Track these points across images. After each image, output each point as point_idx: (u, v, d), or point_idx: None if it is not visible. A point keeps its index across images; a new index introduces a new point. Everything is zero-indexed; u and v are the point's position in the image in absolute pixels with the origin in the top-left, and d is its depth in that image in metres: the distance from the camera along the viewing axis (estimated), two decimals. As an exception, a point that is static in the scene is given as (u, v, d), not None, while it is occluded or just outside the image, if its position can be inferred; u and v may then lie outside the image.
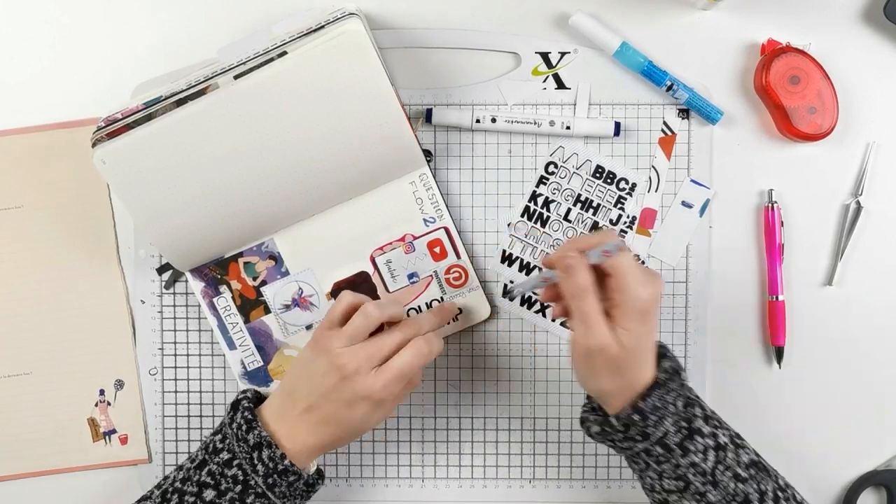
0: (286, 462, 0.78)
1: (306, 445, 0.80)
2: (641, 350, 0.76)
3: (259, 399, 0.83)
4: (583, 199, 0.90)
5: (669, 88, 0.88)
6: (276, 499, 0.79)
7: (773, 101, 0.87)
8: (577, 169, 0.89)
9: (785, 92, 0.87)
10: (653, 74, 0.88)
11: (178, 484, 0.79)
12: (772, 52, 0.87)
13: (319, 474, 0.82)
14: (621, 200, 0.90)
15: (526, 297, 0.90)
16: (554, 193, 0.90)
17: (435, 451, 0.92)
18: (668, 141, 0.90)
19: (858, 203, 0.90)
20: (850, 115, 0.89)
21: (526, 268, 0.90)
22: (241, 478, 0.78)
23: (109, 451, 0.92)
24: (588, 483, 0.91)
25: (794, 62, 0.87)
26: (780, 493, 0.78)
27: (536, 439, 0.91)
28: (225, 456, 0.79)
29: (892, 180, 0.90)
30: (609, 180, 0.90)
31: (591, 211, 0.90)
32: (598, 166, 0.89)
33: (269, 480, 0.78)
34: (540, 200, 0.90)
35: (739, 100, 0.90)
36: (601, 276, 0.76)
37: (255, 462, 0.78)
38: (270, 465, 0.78)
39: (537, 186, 0.90)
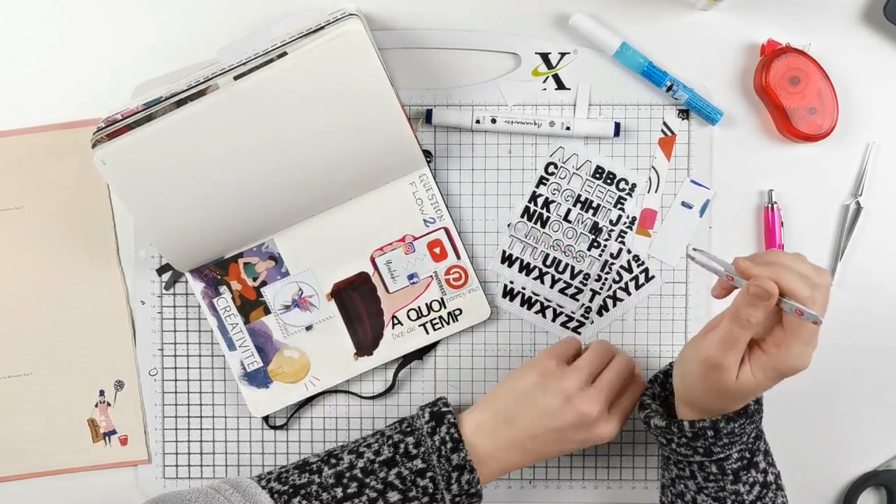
0: (479, 487, 0.80)
1: (506, 467, 0.81)
2: (752, 395, 0.75)
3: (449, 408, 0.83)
4: (583, 199, 0.90)
5: (669, 89, 0.88)
6: None
7: (772, 102, 0.87)
8: (577, 169, 0.89)
9: (785, 92, 0.87)
10: (653, 75, 0.88)
11: (357, 472, 0.79)
12: (772, 53, 0.87)
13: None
14: (621, 201, 0.90)
15: (526, 297, 0.90)
16: (554, 194, 0.90)
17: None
18: (667, 141, 0.90)
19: (858, 203, 0.90)
20: (850, 115, 0.89)
21: (526, 268, 0.90)
22: (430, 490, 0.78)
23: (109, 451, 0.92)
24: (588, 483, 0.91)
25: (794, 62, 0.87)
26: None
27: (536, 440, 0.91)
28: (419, 465, 0.79)
29: (892, 180, 0.90)
30: (609, 181, 0.90)
31: (591, 211, 0.90)
32: (598, 167, 0.89)
33: (458, 500, 0.79)
34: (540, 201, 0.90)
35: (739, 100, 0.90)
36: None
37: (452, 482, 0.79)
38: (466, 487, 0.79)
39: (537, 187, 0.90)
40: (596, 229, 0.90)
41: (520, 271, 0.90)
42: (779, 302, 0.71)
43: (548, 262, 0.90)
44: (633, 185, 0.89)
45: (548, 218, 0.90)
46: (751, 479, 0.77)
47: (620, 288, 0.90)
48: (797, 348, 0.72)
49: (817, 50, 0.88)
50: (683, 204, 0.90)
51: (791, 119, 0.87)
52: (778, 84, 0.87)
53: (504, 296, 0.90)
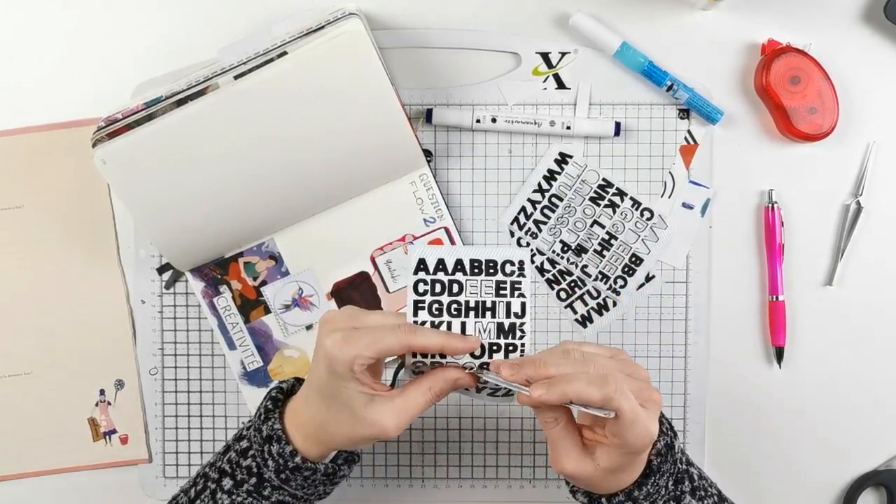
0: (297, 459, 0.73)
1: (309, 434, 0.74)
2: (624, 472, 0.72)
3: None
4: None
5: (670, 88, 0.88)
6: (295, 491, 0.75)
7: (773, 102, 0.87)
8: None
9: (785, 92, 0.87)
10: (653, 74, 0.88)
11: (206, 468, 0.77)
12: (772, 53, 0.87)
13: (347, 460, 0.77)
14: (635, 200, 0.89)
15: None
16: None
17: (435, 451, 0.92)
18: (689, 150, 0.90)
19: (859, 203, 0.90)
20: (851, 115, 0.89)
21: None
22: (255, 470, 0.74)
23: (109, 450, 0.92)
24: (588, 483, 0.91)
25: (795, 62, 0.87)
26: None
27: (536, 439, 0.91)
28: (244, 444, 0.75)
29: (892, 180, 0.90)
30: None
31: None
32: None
33: (282, 476, 0.74)
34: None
35: (740, 100, 0.90)
36: None
37: (266, 456, 0.74)
38: (280, 460, 0.73)
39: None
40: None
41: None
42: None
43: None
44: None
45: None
46: None
47: (620, 287, 0.90)
48: (630, 435, 0.69)
49: (818, 50, 0.88)
50: (684, 205, 0.90)
51: (791, 119, 0.87)
52: (778, 84, 0.87)
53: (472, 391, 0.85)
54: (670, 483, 0.75)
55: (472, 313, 0.72)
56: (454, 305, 0.72)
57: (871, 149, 0.90)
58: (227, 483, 0.75)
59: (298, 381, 0.78)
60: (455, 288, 0.72)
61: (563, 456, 0.71)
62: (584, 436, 0.73)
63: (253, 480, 0.74)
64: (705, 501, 0.76)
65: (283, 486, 0.74)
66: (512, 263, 0.72)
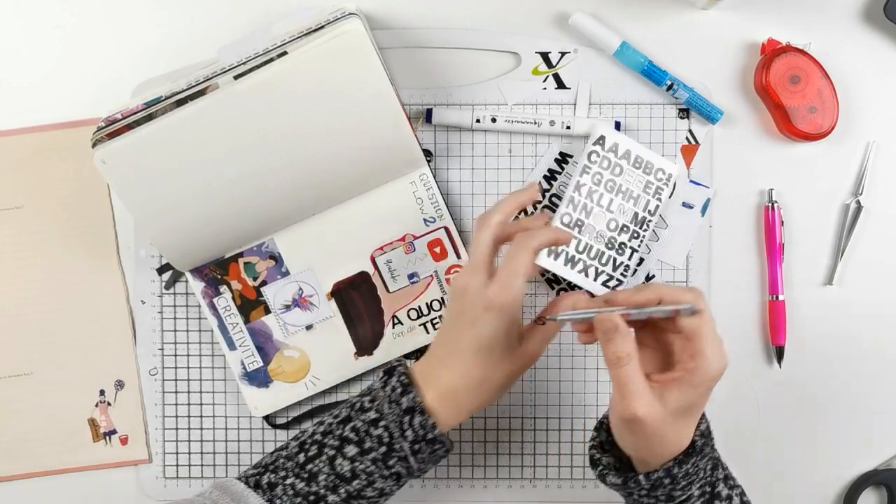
0: (436, 431, 0.76)
1: (452, 394, 0.77)
2: (688, 420, 0.73)
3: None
4: (623, 189, 0.87)
5: (669, 88, 0.88)
6: (416, 464, 0.77)
7: (773, 101, 0.87)
8: (619, 158, 0.87)
9: (785, 91, 0.87)
10: (653, 74, 0.88)
11: (318, 437, 0.78)
12: (772, 52, 0.87)
13: (449, 447, 0.80)
14: (659, 191, 0.88)
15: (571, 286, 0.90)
16: (596, 183, 0.87)
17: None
18: (690, 150, 0.90)
19: (859, 202, 0.90)
20: (851, 114, 0.89)
21: (571, 261, 0.87)
22: (386, 439, 0.76)
23: (110, 451, 0.92)
24: (589, 483, 0.91)
25: (795, 62, 0.87)
26: None
27: (537, 439, 0.91)
28: (372, 415, 0.77)
29: (892, 179, 0.90)
30: (647, 171, 0.88)
31: (632, 202, 0.88)
32: (637, 156, 0.88)
33: (416, 447, 0.76)
34: (584, 190, 0.87)
35: (739, 99, 0.90)
36: (652, 326, 0.74)
37: (405, 427, 0.76)
38: (421, 432, 0.76)
39: (580, 176, 0.86)
40: (636, 219, 0.88)
41: (565, 264, 0.88)
42: (651, 321, 0.72)
43: (591, 255, 0.88)
44: (670, 175, 0.88)
45: (591, 209, 0.87)
46: None
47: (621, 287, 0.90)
48: (710, 350, 0.70)
49: (817, 49, 0.88)
50: (684, 204, 0.90)
51: (791, 118, 0.87)
52: (778, 83, 0.87)
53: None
54: (709, 467, 0.75)
55: (620, 196, 0.86)
56: (611, 183, 0.86)
57: (871, 148, 0.90)
58: (352, 450, 0.77)
59: (407, 358, 0.82)
60: (618, 169, 0.86)
61: (635, 397, 0.70)
62: (651, 379, 0.72)
63: (383, 450, 0.76)
64: (734, 492, 0.77)
65: (411, 458, 0.77)
66: (664, 172, 0.87)
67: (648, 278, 0.90)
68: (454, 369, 0.77)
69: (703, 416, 0.75)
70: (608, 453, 0.78)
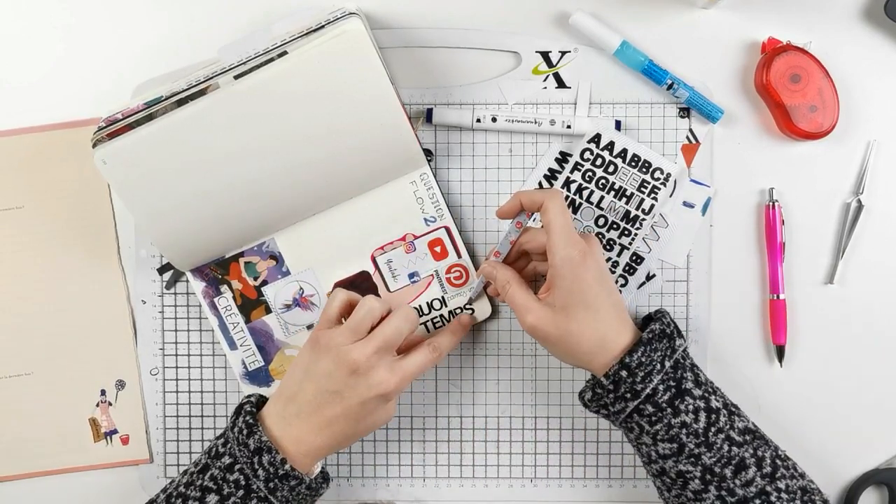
0: (287, 467, 0.78)
1: (312, 447, 0.80)
2: (585, 307, 0.79)
3: (263, 403, 0.83)
4: (616, 187, 0.89)
5: (670, 87, 0.88)
6: (279, 502, 0.79)
7: (773, 100, 0.87)
8: (613, 157, 0.88)
9: (785, 90, 0.87)
10: (653, 73, 0.88)
11: (181, 488, 0.80)
12: (772, 51, 0.87)
13: (325, 477, 0.83)
14: (654, 190, 0.89)
15: None
16: (587, 180, 0.89)
17: (436, 451, 0.92)
18: (690, 149, 0.90)
19: (859, 201, 0.90)
20: (851, 113, 0.89)
21: None
22: (242, 482, 0.78)
23: (111, 451, 0.92)
24: (589, 482, 0.91)
25: (795, 60, 0.87)
26: (778, 462, 0.79)
27: (537, 438, 0.91)
28: (227, 460, 0.79)
29: (893, 178, 0.90)
30: (644, 169, 0.88)
31: (624, 199, 0.89)
32: (634, 154, 0.88)
33: (271, 485, 0.78)
34: (573, 187, 0.89)
35: (740, 98, 0.90)
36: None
37: (256, 467, 0.78)
38: (271, 469, 0.78)
39: (571, 173, 0.88)
40: (628, 217, 0.89)
41: None
42: (511, 239, 0.84)
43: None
44: (668, 175, 0.89)
45: (580, 205, 0.89)
46: (690, 407, 0.78)
47: (622, 287, 0.90)
48: (557, 239, 0.78)
49: (818, 48, 0.88)
50: (685, 204, 0.90)
51: (792, 117, 0.87)
52: (779, 82, 0.87)
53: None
54: (667, 363, 0.79)
55: (612, 193, 0.87)
56: (602, 181, 0.87)
57: (871, 147, 0.90)
58: (213, 499, 0.78)
59: (261, 397, 0.84)
60: (611, 168, 0.87)
61: (523, 311, 0.80)
62: (540, 297, 0.81)
63: (240, 493, 0.78)
64: (713, 397, 0.79)
65: (270, 497, 0.78)
66: (661, 172, 0.87)
67: (649, 277, 0.90)
68: (313, 432, 0.80)
69: (664, 321, 0.81)
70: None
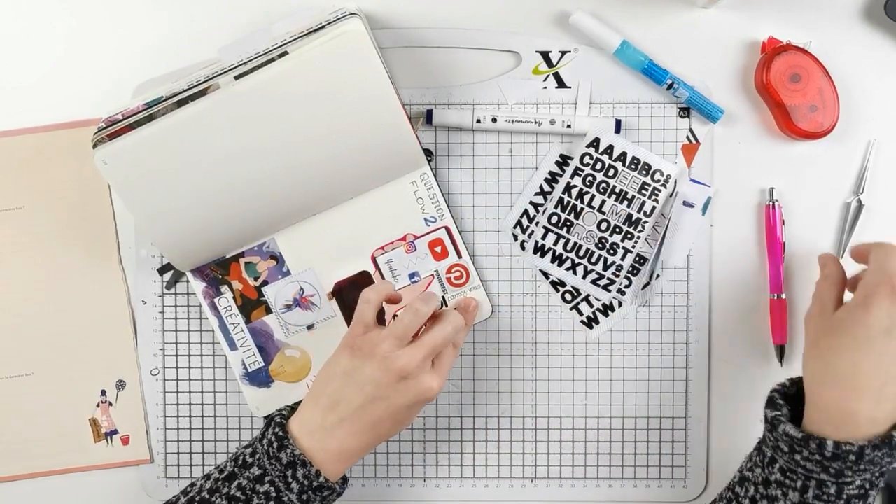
0: (321, 479, 0.78)
1: (350, 453, 0.79)
2: (872, 352, 0.72)
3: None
4: (617, 190, 0.89)
5: (670, 87, 0.88)
6: None
7: (773, 100, 0.87)
8: (613, 160, 0.89)
9: (786, 90, 0.87)
10: (653, 73, 0.88)
11: (205, 494, 0.79)
12: (772, 51, 0.87)
13: (345, 479, 0.82)
14: (655, 192, 0.89)
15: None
16: (588, 184, 0.89)
17: (436, 451, 0.92)
18: (691, 149, 0.90)
19: (860, 201, 0.90)
20: (851, 113, 0.89)
21: (558, 259, 0.90)
22: (273, 494, 0.78)
23: (111, 451, 0.92)
24: (590, 482, 0.91)
25: (795, 60, 0.87)
26: None
27: (537, 438, 0.91)
28: (256, 472, 0.78)
29: (893, 178, 0.90)
30: (644, 171, 0.89)
31: (626, 203, 0.89)
32: (634, 157, 0.89)
33: (304, 497, 0.78)
34: (574, 192, 0.89)
35: (740, 98, 0.90)
36: None
37: (290, 480, 0.78)
38: (305, 482, 0.78)
39: (571, 178, 0.89)
40: (630, 221, 0.89)
41: (552, 262, 0.90)
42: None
43: (580, 253, 0.89)
44: (669, 176, 0.89)
45: (581, 209, 0.89)
46: None
47: (625, 287, 0.90)
48: (887, 255, 0.75)
49: (818, 47, 0.88)
50: (685, 203, 0.90)
51: (792, 117, 0.87)
52: (779, 82, 0.87)
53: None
54: (884, 468, 0.73)
55: (613, 196, 0.86)
56: (603, 185, 0.86)
57: (871, 146, 0.90)
58: None
59: (292, 408, 0.83)
60: (611, 171, 0.86)
61: (819, 302, 0.78)
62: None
63: None
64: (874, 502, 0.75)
65: None
66: (662, 174, 0.87)
67: (652, 276, 0.90)
68: (355, 438, 0.79)
69: None
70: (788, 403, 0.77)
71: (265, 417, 0.83)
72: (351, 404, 0.79)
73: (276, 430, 0.79)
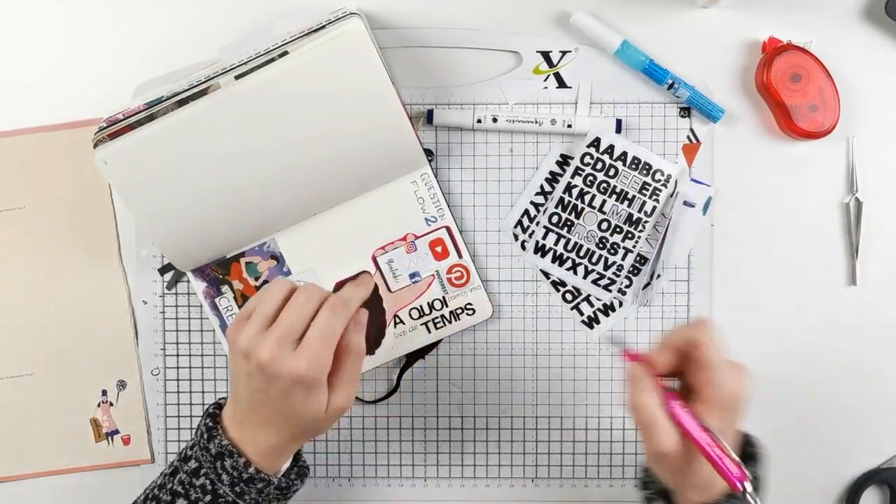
0: (251, 470, 0.75)
1: (267, 446, 0.76)
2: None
3: None
4: (618, 190, 0.89)
5: (670, 87, 0.88)
6: None
7: (774, 99, 0.87)
8: (614, 160, 0.89)
9: (786, 90, 0.87)
10: (654, 73, 0.88)
11: (155, 490, 0.78)
12: (773, 50, 0.87)
13: (299, 474, 0.80)
14: (656, 192, 0.89)
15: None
16: (589, 184, 0.89)
17: (437, 451, 0.92)
18: (691, 149, 0.90)
19: (858, 200, 0.90)
20: (852, 112, 0.89)
21: (559, 259, 0.90)
22: (209, 487, 0.76)
23: (112, 451, 0.92)
24: (590, 482, 0.91)
25: (796, 60, 0.87)
26: None
27: (538, 438, 0.91)
28: (193, 465, 0.77)
29: (893, 177, 0.90)
30: (644, 171, 0.89)
31: (626, 203, 0.89)
32: (634, 157, 0.89)
33: (237, 489, 0.76)
34: (575, 192, 0.89)
35: (741, 98, 0.90)
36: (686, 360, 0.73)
37: (220, 471, 0.76)
38: (234, 473, 0.76)
39: (572, 178, 0.89)
40: (631, 220, 0.89)
41: (553, 262, 0.90)
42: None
43: (581, 253, 0.89)
44: (669, 176, 0.89)
45: (582, 209, 0.89)
46: None
47: (626, 287, 0.90)
48: (719, 374, 0.71)
49: (819, 47, 0.88)
50: (686, 203, 0.90)
51: (792, 116, 0.87)
52: (779, 81, 0.87)
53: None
54: None
55: (614, 196, 0.86)
56: (604, 185, 0.86)
57: (851, 143, 0.89)
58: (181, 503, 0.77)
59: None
60: (612, 171, 0.86)
61: (655, 434, 0.70)
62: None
63: (208, 498, 0.76)
64: None
65: (238, 501, 0.76)
66: (662, 174, 0.86)
67: (653, 276, 0.90)
68: (267, 431, 0.76)
69: (757, 456, 0.74)
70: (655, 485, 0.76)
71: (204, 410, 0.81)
72: (244, 398, 0.76)
73: (207, 420, 0.77)
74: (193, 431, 0.80)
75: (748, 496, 0.69)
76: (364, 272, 0.87)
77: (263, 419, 0.76)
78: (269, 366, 0.73)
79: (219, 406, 0.79)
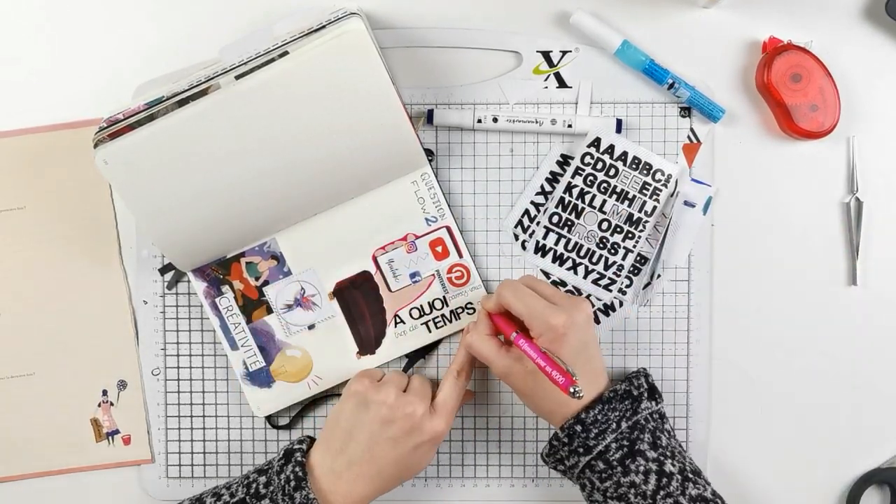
0: None
1: (360, 497, 0.81)
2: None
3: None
4: (618, 190, 0.89)
5: (671, 87, 0.88)
6: None
7: (774, 99, 0.87)
8: (614, 160, 0.89)
9: (787, 90, 0.87)
10: (654, 73, 0.88)
11: None
12: (773, 50, 0.87)
13: None
14: (656, 192, 0.89)
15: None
16: (589, 184, 0.89)
17: (436, 451, 0.91)
18: (692, 148, 0.90)
19: (858, 199, 0.90)
20: (852, 112, 0.89)
21: (559, 259, 0.90)
22: None
23: (112, 451, 0.92)
24: (591, 482, 0.91)
25: (796, 60, 0.87)
26: None
27: (538, 438, 0.91)
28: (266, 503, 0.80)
29: (894, 177, 0.90)
30: (645, 171, 0.89)
31: (626, 202, 0.89)
32: (635, 157, 0.89)
33: None
34: (575, 191, 0.89)
35: (741, 98, 0.90)
36: None
37: None
38: None
39: (573, 177, 0.89)
40: (631, 220, 0.89)
41: (553, 262, 0.90)
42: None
43: (581, 253, 0.89)
44: (670, 176, 0.89)
45: (582, 209, 0.89)
46: (641, 469, 0.79)
47: (626, 287, 0.90)
48: (535, 322, 0.80)
49: (819, 47, 0.88)
50: (686, 203, 0.90)
51: (793, 116, 0.87)
52: (780, 81, 0.87)
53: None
54: (624, 424, 0.80)
55: (614, 196, 0.87)
56: (604, 184, 0.87)
57: (852, 143, 0.89)
58: None
59: (311, 439, 0.85)
60: (612, 171, 0.86)
61: (492, 362, 0.83)
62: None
63: None
64: (669, 461, 0.79)
65: None
66: (663, 174, 0.87)
67: (653, 276, 0.90)
68: (371, 485, 0.82)
69: (634, 380, 0.83)
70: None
71: (284, 449, 0.83)
72: (360, 450, 0.81)
73: (297, 469, 0.80)
74: (271, 470, 0.81)
75: (576, 393, 0.76)
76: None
77: (373, 471, 0.81)
78: (419, 422, 0.81)
79: (303, 452, 0.82)
